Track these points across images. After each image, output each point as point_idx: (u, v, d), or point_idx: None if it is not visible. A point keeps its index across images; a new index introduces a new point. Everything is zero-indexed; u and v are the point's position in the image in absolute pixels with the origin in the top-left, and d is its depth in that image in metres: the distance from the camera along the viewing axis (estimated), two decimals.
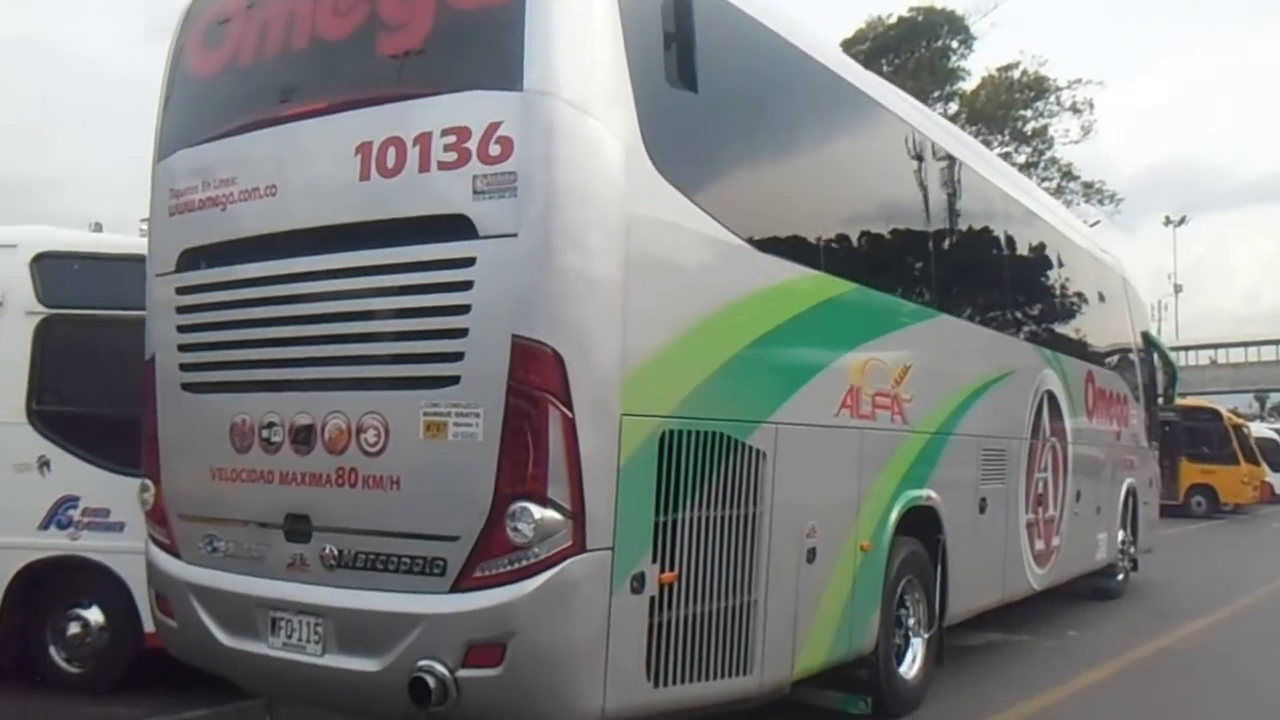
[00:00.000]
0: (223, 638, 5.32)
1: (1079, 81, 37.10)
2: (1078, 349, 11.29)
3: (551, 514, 4.45)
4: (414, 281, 4.80)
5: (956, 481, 7.90)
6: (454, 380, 4.65)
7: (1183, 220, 77.68)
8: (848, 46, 35.11)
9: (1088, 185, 37.54)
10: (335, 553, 4.91)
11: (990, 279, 9.13)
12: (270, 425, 5.16)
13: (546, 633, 4.49)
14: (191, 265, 5.60)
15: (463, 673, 4.52)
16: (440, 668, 4.52)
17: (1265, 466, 33.60)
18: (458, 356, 4.65)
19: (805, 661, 6.00)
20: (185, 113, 5.88)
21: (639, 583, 4.74)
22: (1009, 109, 36.59)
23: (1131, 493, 13.25)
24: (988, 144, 36.51)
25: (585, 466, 4.50)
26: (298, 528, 5.06)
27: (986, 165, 9.43)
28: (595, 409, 4.56)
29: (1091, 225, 38.47)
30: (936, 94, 36.28)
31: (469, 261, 4.65)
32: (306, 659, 4.97)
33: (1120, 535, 12.89)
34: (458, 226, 4.68)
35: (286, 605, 5.05)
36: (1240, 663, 9.44)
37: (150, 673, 6.75)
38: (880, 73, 34.84)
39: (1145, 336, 14.48)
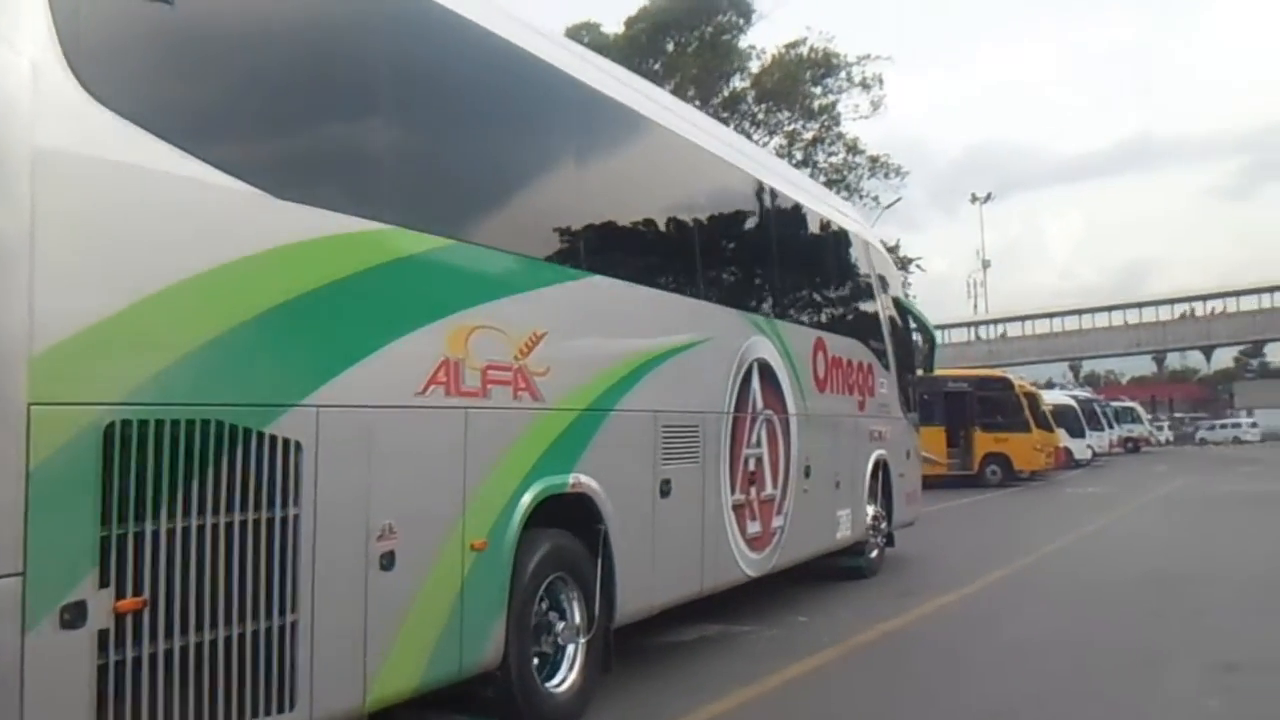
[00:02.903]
0: None
1: (867, 57, 37.14)
2: (802, 315, 10.61)
3: None
4: None
5: (623, 464, 7.03)
6: None
7: (989, 197, 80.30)
8: (630, 25, 34.53)
9: (874, 160, 37.58)
10: None
11: (667, 236, 8.21)
12: None
13: None
14: None
15: None
16: None
17: (1061, 432, 34.25)
18: None
19: (387, 687, 5.04)
20: None
21: (75, 614, 3.71)
22: (795, 84, 36.24)
23: (882, 465, 12.66)
24: (776, 121, 36.45)
25: None
26: None
27: (651, 104, 8.31)
28: None
29: (890, 205, 38.79)
30: (722, 71, 35.86)
31: None
32: None
33: (870, 510, 12.30)
34: None
35: None
36: (961, 642, 8.91)
37: None
38: (664, 53, 34.42)
39: (897, 303, 13.92)
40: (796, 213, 10.74)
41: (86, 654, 3.76)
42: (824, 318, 11.29)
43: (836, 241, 11.94)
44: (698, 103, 35.28)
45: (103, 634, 3.80)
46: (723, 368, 8.59)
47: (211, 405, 4.20)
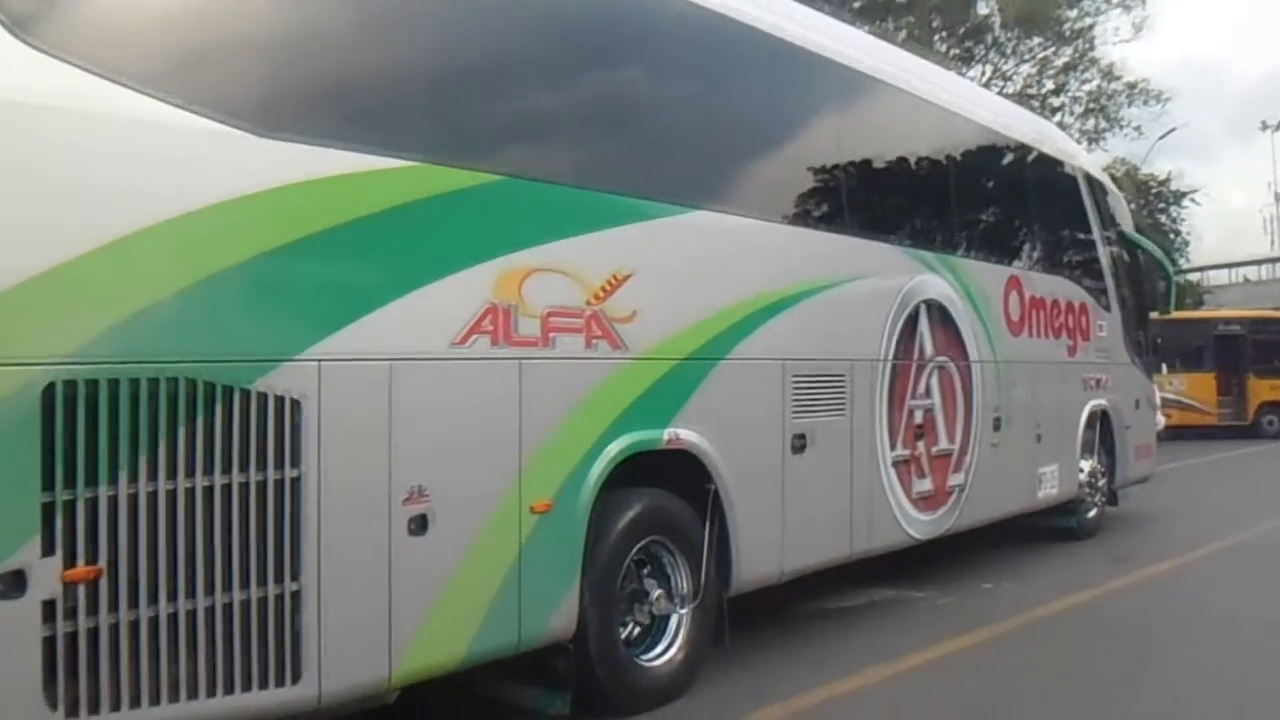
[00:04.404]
0: None
1: None
2: (991, 250, 9.61)
3: None
4: None
5: (740, 417, 6.38)
6: None
7: None
8: None
9: (1131, 85, 34.69)
10: None
11: (796, 163, 7.34)
12: None
13: None
14: None
15: None
16: None
17: None
18: None
19: (421, 659, 4.64)
20: None
21: (11, 584, 3.48)
22: (1046, 7, 33.69)
23: (1100, 416, 11.47)
24: (1027, 48, 34.20)
25: None
26: None
27: (759, 10, 7.03)
28: None
29: (1164, 136, 35.83)
30: None
31: None
32: None
33: (1085, 465, 11.18)
34: None
35: None
36: (1156, 621, 7.81)
37: None
38: None
39: (1124, 237, 12.59)
40: (981, 137, 9.67)
41: (29, 625, 3.52)
42: (1021, 254, 10.24)
43: (1039, 171, 10.75)
44: (943, 34, 33.57)
45: (51, 604, 3.56)
46: (878, 310, 7.80)
47: (180, 362, 3.87)
